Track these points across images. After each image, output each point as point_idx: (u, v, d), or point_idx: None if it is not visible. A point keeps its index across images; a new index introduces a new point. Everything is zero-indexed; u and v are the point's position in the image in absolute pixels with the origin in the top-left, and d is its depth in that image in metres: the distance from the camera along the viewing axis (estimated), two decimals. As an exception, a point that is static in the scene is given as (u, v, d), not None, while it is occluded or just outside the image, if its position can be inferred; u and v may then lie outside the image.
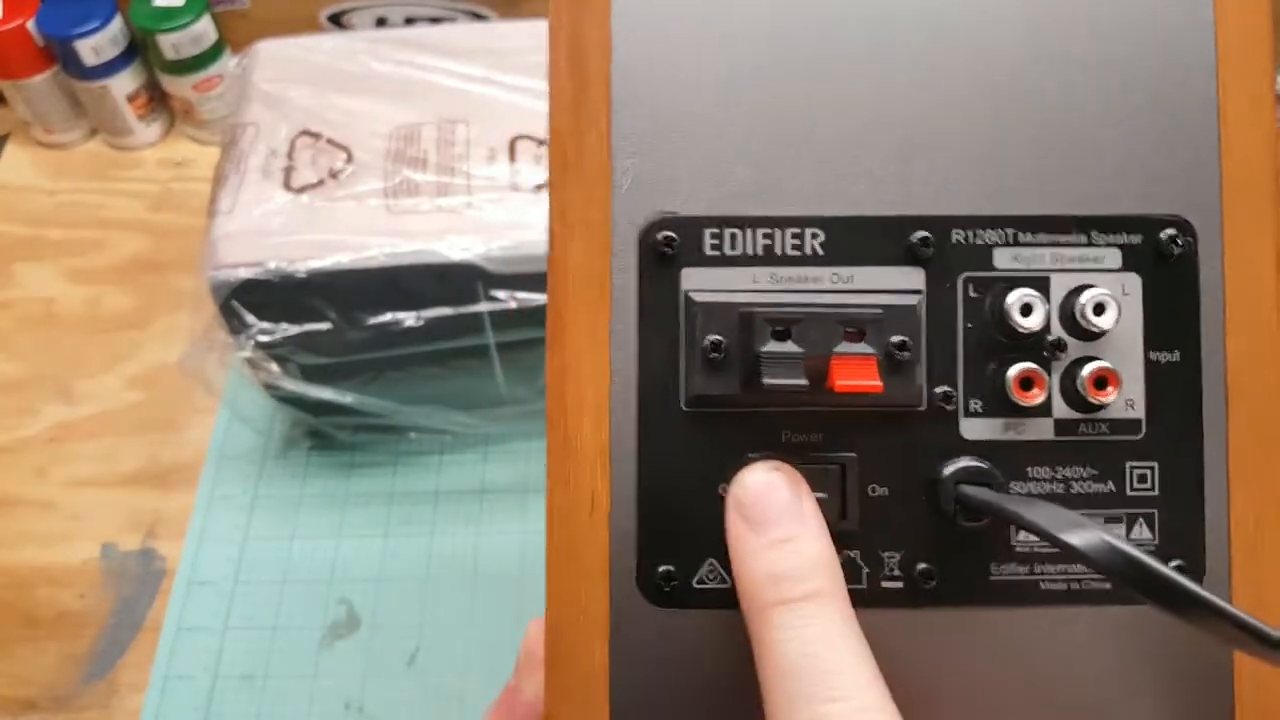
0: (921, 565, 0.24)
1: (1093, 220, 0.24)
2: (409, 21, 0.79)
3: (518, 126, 0.55)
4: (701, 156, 0.24)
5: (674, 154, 0.24)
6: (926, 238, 0.23)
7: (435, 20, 0.78)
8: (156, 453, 0.64)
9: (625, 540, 0.24)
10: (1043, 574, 0.24)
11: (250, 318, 0.52)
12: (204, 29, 0.75)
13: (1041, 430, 0.24)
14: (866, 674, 0.20)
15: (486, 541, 0.59)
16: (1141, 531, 0.24)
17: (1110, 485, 0.24)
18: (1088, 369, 0.23)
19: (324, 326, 0.52)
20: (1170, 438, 0.24)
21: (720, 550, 0.23)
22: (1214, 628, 0.18)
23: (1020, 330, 0.23)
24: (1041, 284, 0.24)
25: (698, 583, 0.24)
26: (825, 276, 0.24)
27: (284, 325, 0.52)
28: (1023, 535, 0.24)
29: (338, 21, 0.79)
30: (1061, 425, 0.24)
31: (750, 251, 0.24)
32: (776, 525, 0.22)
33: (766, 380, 0.22)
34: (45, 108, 0.78)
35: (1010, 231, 0.24)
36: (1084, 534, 0.19)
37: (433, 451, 0.62)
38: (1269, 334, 0.24)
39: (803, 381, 0.22)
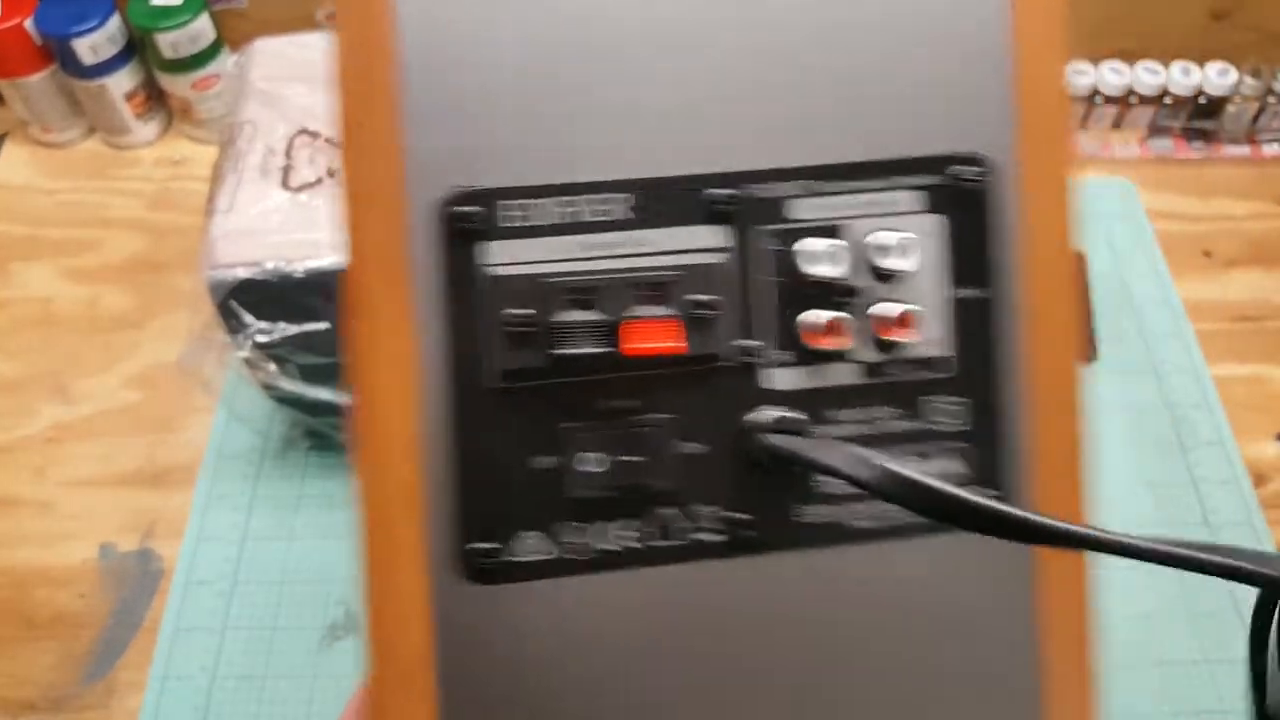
0: (739, 515, 0.24)
1: (888, 164, 0.23)
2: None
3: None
4: (496, 127, 0.23)
5: (468, 127, 0.23)
6: (729, 195, 0.23)
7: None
8: (154, 453, 0.64)
9: (442, 521, 0.23)
10: (852, 512, 0.24)
11: (248, 317, 0.52)
12: (202, 28, 0.74)
13: (849, 375, 0.24)
14: None
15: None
16: (954, 465, 0.24)
17: (919, 423, 0.24)
18: (887, 309, 0.23)
19: (322, 326, 0.52)
20: (979, 372, 0.24)
21: (536, 520, 0.23)
22: (998, 530, 0.18)
23: (816, 278, 0.23)
24: (841, 231, 0.24)
25: (517, 556, 0.24)
26: (631, 241, 0.23)
27: (282, 325, 0.52)
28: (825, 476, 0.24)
29: (337, 20, 0.79)
30: (869, 368, 0.24)
31: (552, 221, 0.23)
32: None
33: (564, 350, 0.23)
34: (43, 107, 0.78)
35: (808, 182, 0.23)
36: (869, 467, 0.19)
37: (432, 451, 0.62)
38: (1065, 265, 0.24)
39: (602, 349, 0.23)
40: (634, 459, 0.23)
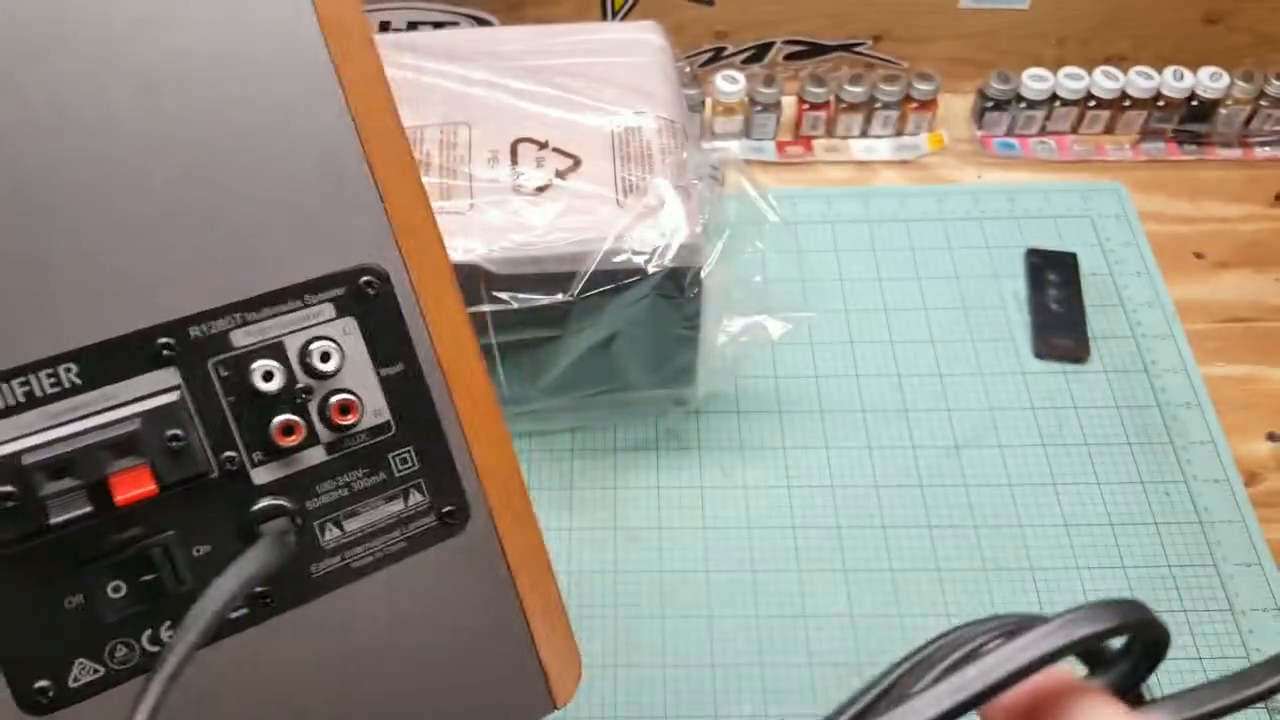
0: (256, 590, 0.28)
1: (299, 287, 0.28)
2: (412, 26, 0.79)
3: (519, 129, 0.56)
4: None
5: None
6: (169, 341, 0.27)
7: (438, 25, 0.79)
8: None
9: None
10: (352, 556, 0.30)
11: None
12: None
13: (317, 456, 0.29)
14: None
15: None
16: (416, 497, 0.30)
17: (382, 475, 0.30)
18: (330, 401, 0.28)
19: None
20: (415, 425, 0.30)
21: (82, 649, 0.27)
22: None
23: (268, 393, 0.28)
24: (279, 349, 0.28)
25: (73, 682, 0.27)
26: (93, 401, 0.26)
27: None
28: (329, 534, 0.29)
29: (340, 25, 0.80)
30: (331, 446, 0.29)
31: (9, 402, 0.25)
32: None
33: (54, 519, 0.25)
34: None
35: (238, 315, 0.27)
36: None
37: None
38: (460, 328, 0.30)
39: (90, 509, 0.26)
40: (152, 576, 0.27)
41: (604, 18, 0.80)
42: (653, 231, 0.52)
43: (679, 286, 0.53)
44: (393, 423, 0.30)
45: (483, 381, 0.31)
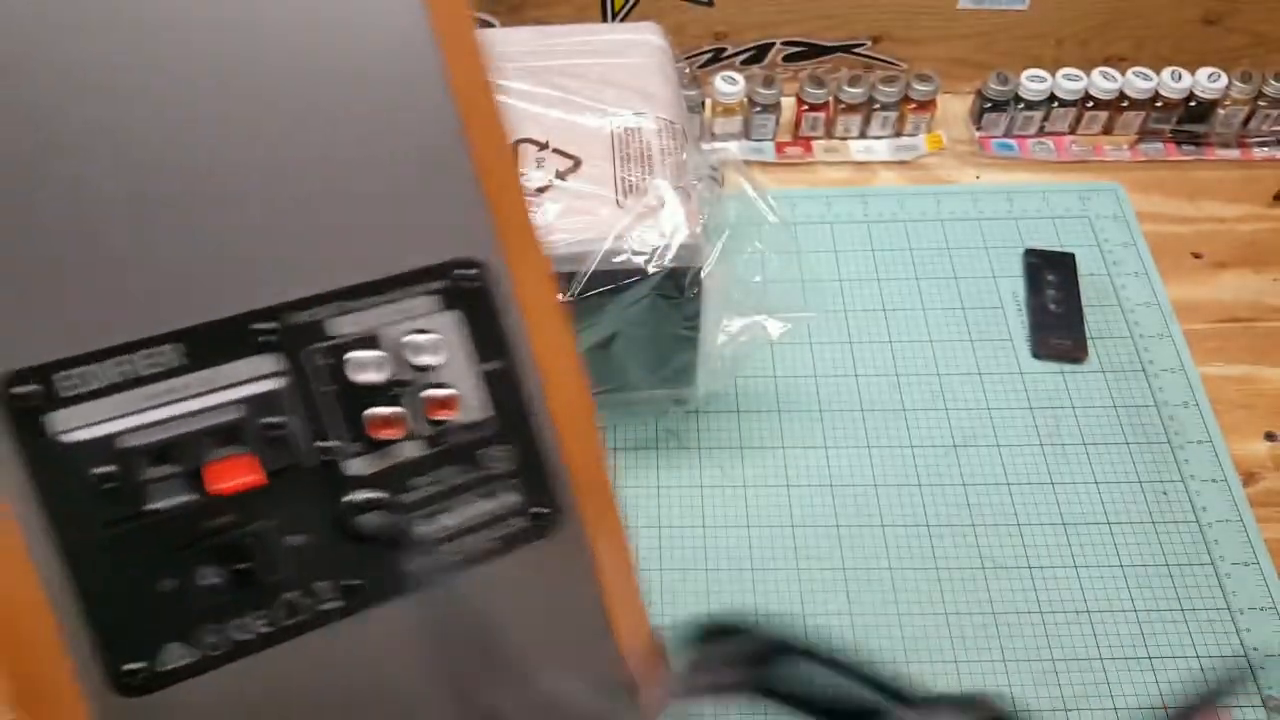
0: (352, 582, 0.28)
1: (401, 277, 0.28)
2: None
3: (519, 130, 0.56)
4: (29, 306, 0.25)
5: (6, 311, 0.25)
6: (270, 326, 0.26)
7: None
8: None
9: (88, 656, 0.26)
10: (445, 552, 0.29)
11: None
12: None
13: (414, 450, 0.29)
14: None
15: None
16: (509, 497, 0.30)
17: (477, 472, 0.29)
18: (429, 395, 0.28)
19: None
20: (511, 424, 0.29)
21: (174, 632, 0.27)
22: None
23: (366, 384, 0.27)
24: (379, 340, 0.28)
25: (164, 666, 0.27)
26: (193, 383, 0.26)
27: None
28: (421, 529, 0.29)
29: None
30: (429, 441, 0.29)
31: (111, 381, 0.25)
32: None
33: (154, 505, 0.25)
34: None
35: (340, 303, 0.27)
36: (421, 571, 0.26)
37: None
38: (559, 327, 0.30)
39: (191, 497, 0.26)
40: (246, 564, 0.27)
41: (604, 19, 0.80)
42: (652, 232, 0.52)
43: (679, 287, 0.53)
44: (490, 419, 0.29)
45: (579, 383, 0.30)
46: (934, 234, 0.75)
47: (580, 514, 0.31)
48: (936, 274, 0.73)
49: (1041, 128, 0.82)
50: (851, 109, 0.80)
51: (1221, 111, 0.80)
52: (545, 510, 0.30)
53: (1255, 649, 0.56)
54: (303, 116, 0.26)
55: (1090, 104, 0.80)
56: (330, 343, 0.27)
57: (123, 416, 0.25)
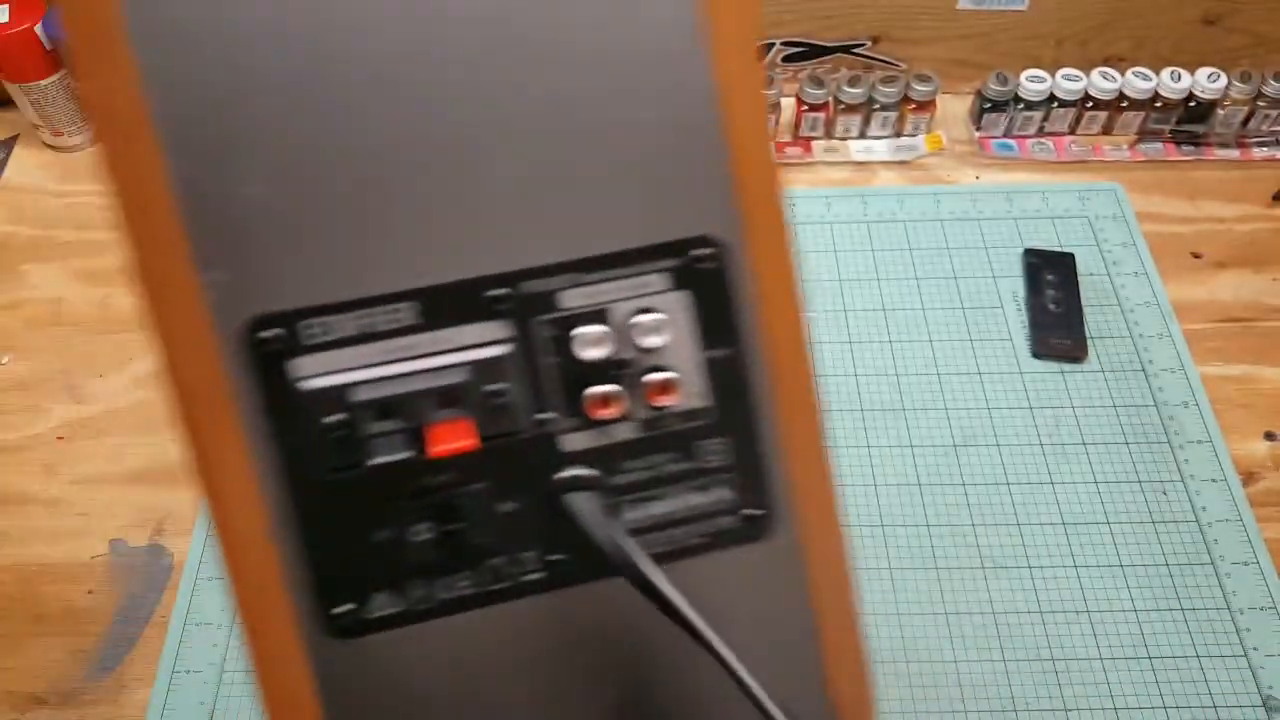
0: (555, 556, 0.28)
1: (638, 252, 0.27)
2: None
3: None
4: (283, 255, 0.25)
5: (257, 258, 0.25)
6: (503, 293, 0.26)
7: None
8: (164, 450, 0.65)
9: (304, 594, 0.27)
10: (649, 541, 0.28)
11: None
12: (209, 33, 0.75)
13: (630, 432, 0.28)
14: None
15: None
16: (721, 493, 0.29)
17: (691, 463, 0.28)
18: (650, 379, 0.27)
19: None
20: (732, 417, 0.28)
21: (384, 582, 0.27)
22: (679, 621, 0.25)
23: (589, 360, 0.27)
24: (604, 315, 0.27)
25: (373, 613, 0.27)
26: (425, 342, 0.26)
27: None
28: (630, 514, 0.28)
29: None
30: (645, 424, 0.28)
31: (350, 333, 0.26)
32: None
33: (375, 459, 0.26)
34: (53, 110, 0.79)
35: (572, 275, 0.27)
36: (616, 549, 0.25)
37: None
38: (795, 320, 0.28)
39: (409, 454, 0.26)
40: (458, 523, 0.27)
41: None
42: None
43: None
44: (709, 409, 0.28)
45: (808, 382, 0.29)
46: (934, 234, 0.75)
47: (797, 522, 0.29)
48: (936, 274, 0.73)
49: (1041, 128, 0.82)
50: (851, 109, 0.80)
51: (1221, 112, 0.80)
52: (759, 513, 0.29)
53: (1255, 649, 0.56)
54: (554, 84, 0.26)
55: (1090, 104, 0.80)
56: (559, 314, 0.27)
57: (357, 369, 0.26)
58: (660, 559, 0.28)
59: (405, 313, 0.26)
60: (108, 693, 0.56)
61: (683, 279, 0.27)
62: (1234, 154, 0.81)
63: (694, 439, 0.28)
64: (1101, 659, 0.55)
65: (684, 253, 0.27)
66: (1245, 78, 0.78)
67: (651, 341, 0.27)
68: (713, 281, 0.27)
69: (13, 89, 0.78)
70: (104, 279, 0.74)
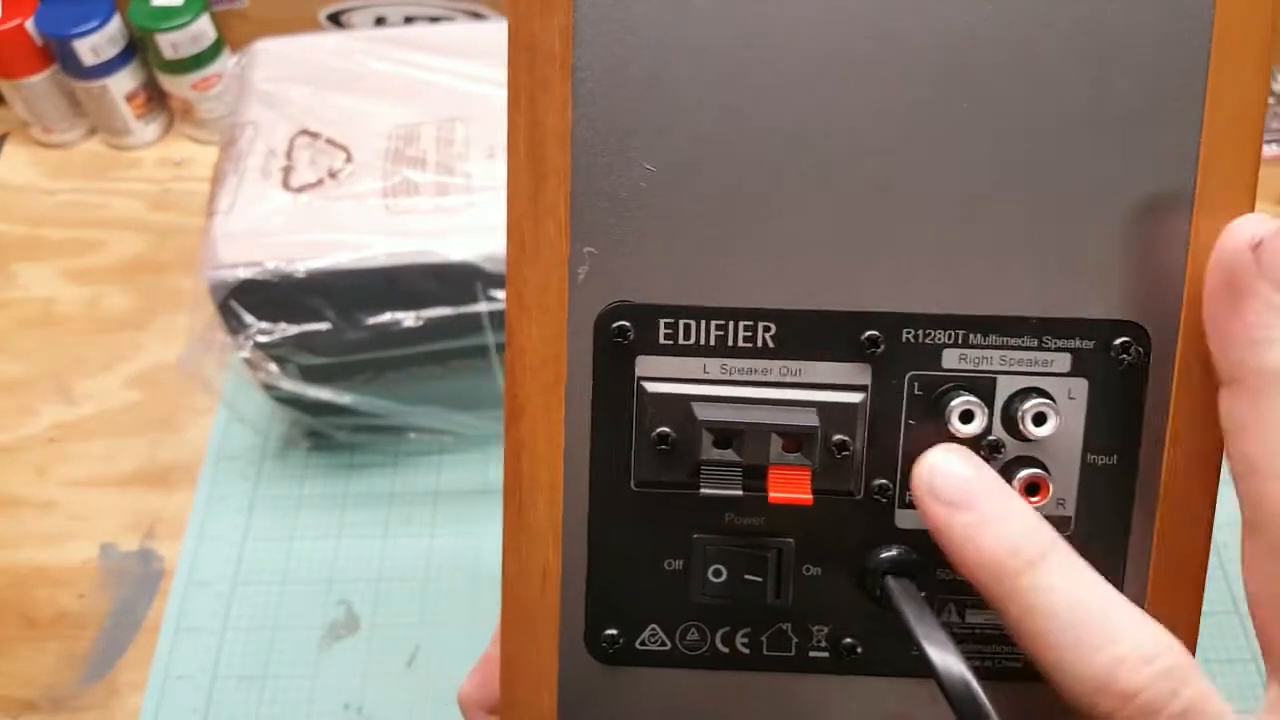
0: (847, 639, 0.25)
1: (1046, 323, 0.23)
2: (408, 21, 0.78)
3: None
4: (658, 246, 0.24)
5: (631, 243, 0.24)
6: (876, 336, 0.23)
7: (434, 20, 0.78)
8: (155, 453, 0.64)
9: (575, 604, 0.25)
10: (976, 654, 0.25)
11: (249, 318, 0.52)
12: (203, 28, 0.75)
13: None
14: (1131, 606, 0.21)
15: (486, 542, 0.59)
16: None
17: None
18: (1021, 474, 0.24)
19: (323, 326, 0.52)
20: (1096, 537, 0.24)
21: (661, 615, 0.25)
22: None
23: (959, 436, 0.24)
24: (987, 386, 0.24)
25: (640, 644, 0.25)
26: (774, 369, 0.24)
27: (283, 325, 0.52)
28: (945, 615, 0.25)
29: (337, 21, 0.79)
30: None
31: (703, 341, 0.24)
32: (985, 499, 0.22)
33: (704, 490, 0.24)
34: (44, 107, 0.78)
35: (961, 333, 0.23)
36: (946, 659, 0.21)
37: (432, 452, 0.62)
38: (1209, 442, 0.23)
39: (738, 493, 0.24)
40: (756, 575, 0.24)
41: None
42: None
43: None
44: (1072, 520, 0.24)
45: (1203, 516, 0.24)
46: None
47: None
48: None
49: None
50: None
51: (1229, 108, 0.79)
52: None
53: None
54: (1010, 124, 0.23)
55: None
56: (935, 374, 0.24)
57: (703, 382, 0.24)
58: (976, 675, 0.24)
59: (761, 332, 0.24)
60: (100, 698, 0.55)
61: (1089, 366, 0.23)
62: (1242, 151, 0.80)
63: None
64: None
65: (1101, 337, 0.23)
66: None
67: (1036, 431, 0.23)
68: (1126, 377, 0.23)
69: (4, 85, 0.77)
70: (95, 278, 0.73)
